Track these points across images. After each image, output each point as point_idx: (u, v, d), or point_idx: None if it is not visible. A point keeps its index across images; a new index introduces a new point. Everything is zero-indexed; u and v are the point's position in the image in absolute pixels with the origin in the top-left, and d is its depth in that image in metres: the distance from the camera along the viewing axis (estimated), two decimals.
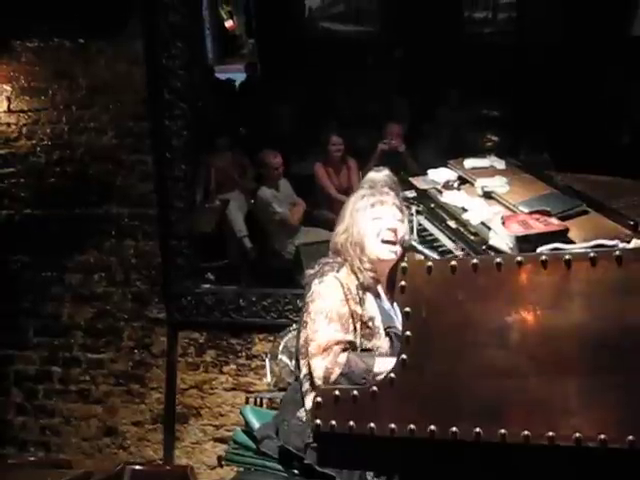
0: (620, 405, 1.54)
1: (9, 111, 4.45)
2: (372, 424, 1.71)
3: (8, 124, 4.45)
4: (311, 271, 2.64)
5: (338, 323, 2.46)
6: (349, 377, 2.35)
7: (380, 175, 2.73)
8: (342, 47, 4.86)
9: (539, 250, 2.00)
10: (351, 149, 4.65)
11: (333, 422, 1.75)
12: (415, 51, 4.54)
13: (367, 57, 4.85)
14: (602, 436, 1.54)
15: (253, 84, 5.27)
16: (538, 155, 4.08)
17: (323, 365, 2.41)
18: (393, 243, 2.59)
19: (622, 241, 1.98)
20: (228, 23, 5.56)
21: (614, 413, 1.54)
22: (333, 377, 2.38)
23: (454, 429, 1.64)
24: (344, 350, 2.43)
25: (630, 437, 1.51)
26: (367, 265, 2.56)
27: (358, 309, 2.51)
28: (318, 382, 2.41)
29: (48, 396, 4.52)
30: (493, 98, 4.41)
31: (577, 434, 1.55)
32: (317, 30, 4.97)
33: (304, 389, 2.51)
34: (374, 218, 2.60)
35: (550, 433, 1.57)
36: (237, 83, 5.34)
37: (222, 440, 4.21)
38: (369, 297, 2.57)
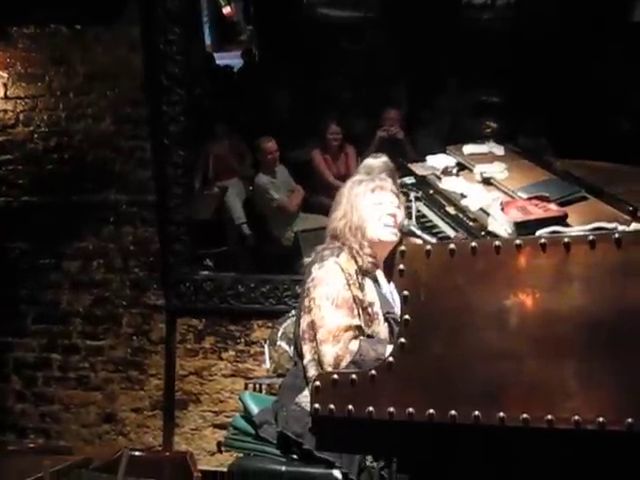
0: (619, 388, 1.54)
1: (6, 98, 4.42)
2: (371, 408, 1.71)
3: (5, 111, 4.42)
4: (308, 259, 2.65)
5: (345, 308, 2.46)
6: (359, 365, 2.31)
7: (377, 161, 2.74)
8: (340, 33, 4.85)
9: (538, 233, 2.01)
10: (349, 136, 4.65)
11: (332, 406, 1.75)
12: (413, 37, 4.52)
13: (365, 43, 4.84)
14: (601, 419, 1.54)
15: (251, 70, 5.27)
16: (537, 141, 4.08)
17: (334, 352, 2.41)
18: (393, 227, 2.60)
19: (621, 224, 1.98)
20: (226, 9, 5.55)
21: (613, 396, 1.55)
22: (343, 364, 2.37)
23: (453, 412, 1.64)
24: (355, 337, 2.43)
25: (629, 420, 1.51)
26: (367, 250, 2.56)
27: (359, 294, 2.51)
28: (328, 368, 2.39)
29: (47, 383, 4.52)
30: (492, 84, 4.41)
31: (576, 417, 1.55)
32: (315, 16, 4.96)
33: (309, 375, 2.50)
34: (375, 203, 2.61)
35: (549, 416, 1.57)
36: (235, 69, 5.34)
37: (221, 426, 4.22)
38: (368, 282, 2.57)
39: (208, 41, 5.47)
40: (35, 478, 2.88)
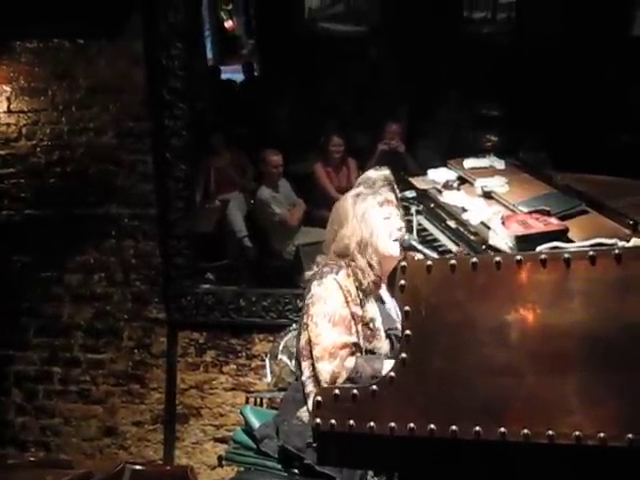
0: (620, 403, 1.55)
1: (9, 111, 4.44)
2: (372, 423, 1.71)
3: (8, 124, 4.45)
4: (309, 273, 2.64)
5: (341, 326, 2.47)
6: (356, 382, 2.33)
7: (379, 174, 2.72)
8: (342, 47, 4.87)
9: (538, 249, 2.01)
10: (351, 149, 4.66)
11: (333, 421, 1.75)
12: (414, 51, 4.54)
13: (366, 57, 4.86)
14: (601, 434, 1.54)
15: (253, 84, 5.29)
16: (537, 155, 4.09)
17: (330, 369, 2.42)
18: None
19: (621, 240, 1.99)
20: (228, 23, 5.57)
21: (613, 411, 1.55)
22: (340, 381, 2.38)
23: (454, 428, 1.64)
24: (352, 354, 2.44)
25: (630, 435, 1.51)
26: (375, 269, 2.55)
27: (358, 310, 2.51)
28: (324, 386, 2.39)
29: (48, 396, 4.52)
30: (492, 98, 4.43)
31: (577, 432, 1.55)
32: (317, 30, 4.98)
33: (307, 391, 2.52)
34: (385, 217, 2.61)
35: (550, 432, 1.57)
36: (237, 83, 5.36)
37: (222, 440, 4.21)
38: (370, 299, 2.57)
39: (210, 55, 5.50)
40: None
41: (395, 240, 2.58)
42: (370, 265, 2.55)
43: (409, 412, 1.68)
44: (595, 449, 1.53)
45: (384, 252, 2.58)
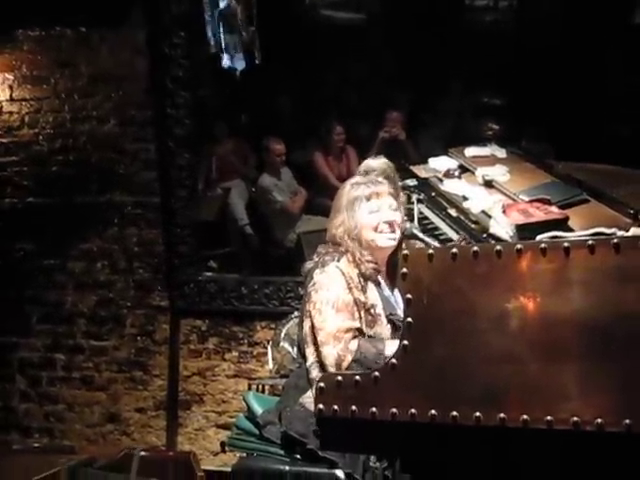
0: (617, 390, 1.57)
1: (11, 100, 4.47)
2: (374, 409, 1.73)
3: (10, 113, 4.47)
4: (311, 261, 2.66)
5: (345, 311, 2.49)
6: (361, 362, 2.37)
7: (376, 162, 2.73)
8: (342, 35, 4.86)
9: (538, 238, 2.04)
10: (351, 138, 4.65)
11: (335, 407, 1.77)
12: (416, 39, 4.53)
13: (367, 45, 4.85)
14: (599, 420, 1.56)
15: (253, 72, 5.27)
16: (539, 144, 4.10)
17: (335, 352, 2.44)
18: (390, 232, 2.61)
19: (621, 229, 2.01)
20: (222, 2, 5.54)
21: (611, 398, 1.57)
22: (345, 364, 2.41)
23: (454, 413, 1.66)
24: (355, 338, 2.46)
25: (627, 421, 1.54)
26: (367, 257, 2.58)
27: (361, 297, 2.53)
28: (331, 369, 2.42)
29: (52, 383, 4.56)
30: (494, 86, 4.41)
31: (575, 418, 1.57)
32: (317, 17, 4.96)
33: (312, 376, 2.53)
34: (371, 211, 2.61)
35: (548, 417, 1.60)
36: (238, 71, 5.34)
37: (224, 426, 4.25)
38: (370, 285, 2.59)
39: (212, 42, 5.48)
40: (51, 473, 2.90)
41: (382, 232, 2.59)
42: (362, 253, 2.57)
43: (410, 398, 1.70)
44: (593, 434, 1.56)
45: (369, 244, 2.59)
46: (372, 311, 2.55)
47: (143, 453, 3.94)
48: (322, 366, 2.49)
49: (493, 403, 1.64)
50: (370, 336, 2.51)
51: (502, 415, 1.63)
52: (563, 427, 1.59)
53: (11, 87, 4.44)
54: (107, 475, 3.22)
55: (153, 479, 2.81)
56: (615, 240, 1.59)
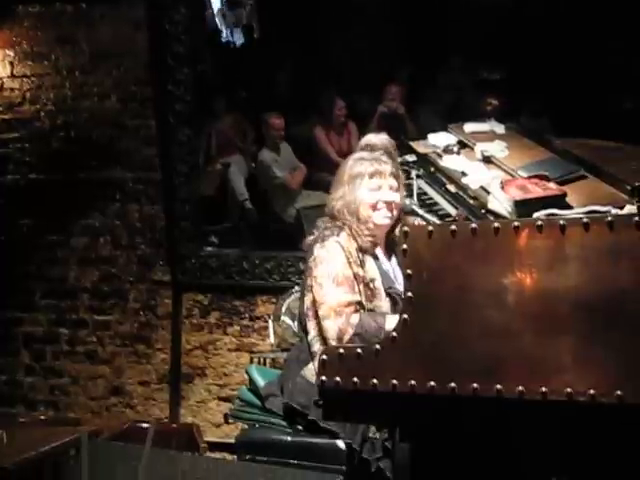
0: (609, 362, 1.62)
1: (12, 76, 4.48)
2: (375, 380, 1.78)
3: (12, 89, 4.48)
4: (311, 236, 2.69)
5: (345, 285, 2.52)
6: (362, 336, 2.40)
7: (378, 138, 2.74)
8: (342, 8, 4.84)
9: (535, 215, 2.08)
10: (351, 112, 4.66)
11: (338, 378, 1.82)
12: (415, 13, 4.52)
13: (367, 19, 4.83)
14: (592, 391, 1.61)
15: (252, 46, 5.26)
16: (538, 119, 4.10)
17: (336, 326, 2.48)
18: (387, 211, 2.64)
19: (615, 207, 2.05)
20: None
21: (604, 370, 1.62)
22: (346, 337, 2.44)
23: (452, 385, 1.71)
24: (356, 311, 2.50)
25: (618, 392, 1.59)
26: (365, 231, 2.61)
27: (360, 271, 2.56)
28: (332, 343, 2.46)
29: (56, 357, 4.62)
30: (494, 61, 4.41)
31: (568, 389, 1.63)
32: None
33: (313, 349, 2.58)
34: (372, 189, 2.63)
35: (543, 388, 1.65)
36: (237, 45, 5.32)
37: (226, 399, 4.31)
38: (369, 259, 2.62)
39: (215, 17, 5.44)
40: (59, 444, 2.95)
41: (378, 210, 2.61)
42: (358, 227, 2.60)
43: (410, 370, 1.75)
44: (586, 405, 1.61)
45: (366, 220, 2.62)
46: (371, 285, 2.58)
47: (145, 425, 4.01)
48: (323, 339, 2.54)
49: (490, 375, 1.69)
50: (370, 309, 2.55)
51: (499, 386, 1.68)
52: (557, 398, 1.64)
53: (12, 63, 4.45)
54: (116, 445, 3.27)
55: (167, 449, 2.86)
56: (609, 218, 1.64)
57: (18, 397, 4.67)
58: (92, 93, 4.37)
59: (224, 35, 5.34)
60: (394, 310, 2.52)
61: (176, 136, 4.23)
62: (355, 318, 2.48)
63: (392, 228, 2.69)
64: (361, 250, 2.60)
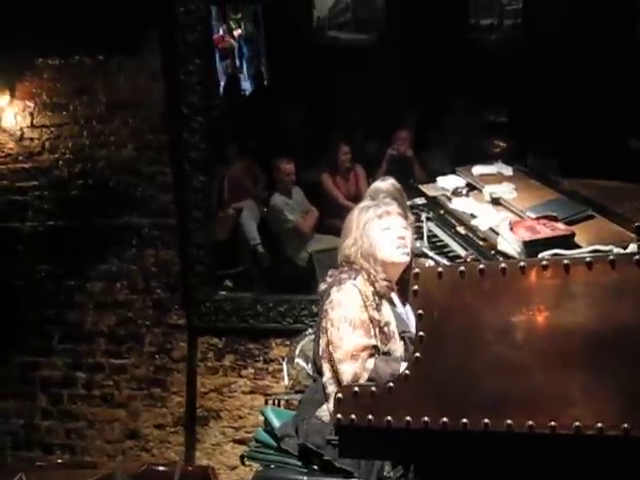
0: (616, 396, 1.66)
1: (32, 126, 4.57)
2: (389, 417, 1.82)
3: (31, 139, 4.57)
4: (328, 279, 2.73)
5: (362, 329, 2.56)
6: (376, 381, 2.38)
7: (384, 184, 2.82)
8: (349, 55, 4.93)
9: (540, 256, 2.14)
10: (359, 157, 4.71)
11: (353, 416, 1.86)
12: (422, 58, 4.60)
13: (374, 65, 4.92)
14: (599, 424, 1.66)
15: (262, 93, 5.36)
16: (545, 161, 4.15)
17: (352, 370, 2.51)
18: (404, 247, 2.70)
19: (618, 246, 2.11)
20: (237, 32, 5.65)
21: (611, 403, 1.66)
22: (361, 382, 2.46)
23: (464, 420, 1.75)
24: (371, 356, 2.53)
25: (625, 425, 1.63)
26: (381, 275, 2.65)
27: (376, 315, 2.61)
28: None
29: (73, 401, 4.63)
30: (500, 104, 4.47)
31: (576, 423, 1.67)
32: (325, 39, 5.03)
33: (328, 391, 2.61)
34: (383, 229, 2.69)
35: (552, 422, 1.69)
36: (247, 92, 5.42)
37: (241, 441, 4.31)
38: (384, 303, 2.67)
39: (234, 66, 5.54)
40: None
41: (397, 247, 2.67)
42: (376, 271, 2.65)
43: (423, 407, 1.79)
44: (593, 438, 1.65)
45: (385, 260, 2.67)
46: (386, 329, 2.62)
47: (161, 468, 4.02)
48: (338, 382, 2.56)
49: (500, 410, 1.73)
50: (384, 352, 2.59)
51: (509, 421, 1.72)
52: (566, 432, 1.68)
53: (32, 114, 4.54)
54: None
55: None
56: (611, 257, 1.70)
57: (35, 441, 4.68)
58: (109, 142, 4.44)
59: (242, 83, 5.45)
60: (407, 353, 2.56)
61: (191, 183, 4.28)
62: (370, 363, 2.51)
63: (405, 270, 2.74)
64: (377, 294, 2.64)
